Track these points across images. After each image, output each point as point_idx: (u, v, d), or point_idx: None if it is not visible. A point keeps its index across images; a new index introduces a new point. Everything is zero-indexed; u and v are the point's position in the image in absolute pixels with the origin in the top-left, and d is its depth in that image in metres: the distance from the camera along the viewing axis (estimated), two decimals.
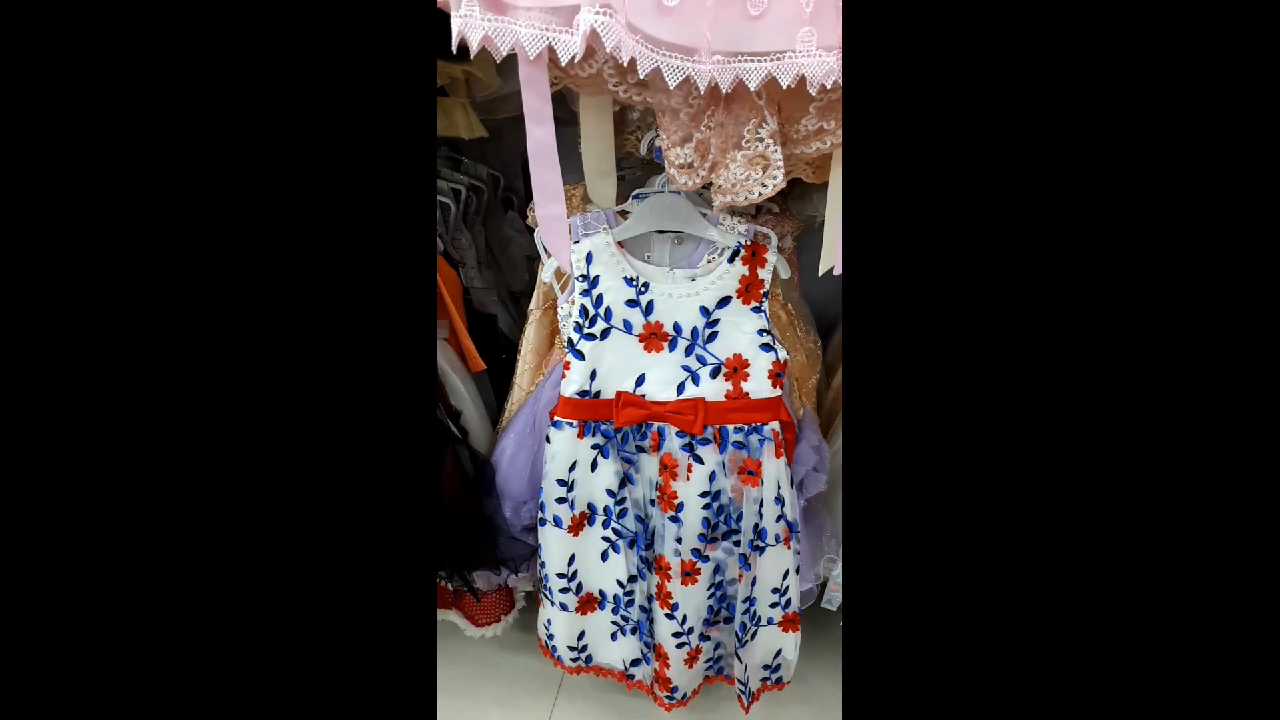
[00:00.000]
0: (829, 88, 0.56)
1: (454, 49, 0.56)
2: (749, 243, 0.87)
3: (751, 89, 0.57)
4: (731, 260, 0.87)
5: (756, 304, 0.88)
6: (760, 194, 0.69)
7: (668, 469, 0.89)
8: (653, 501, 0.92)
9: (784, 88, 0.57)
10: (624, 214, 0.89)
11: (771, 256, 0.87)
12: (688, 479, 0.89)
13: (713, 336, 0.88)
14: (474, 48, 0.55)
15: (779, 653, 0.96)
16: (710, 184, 0.72)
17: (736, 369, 0.89)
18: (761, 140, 0.65)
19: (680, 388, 0.89)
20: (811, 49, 0.55)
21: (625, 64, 0.53)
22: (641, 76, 0.55)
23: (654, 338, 0.88)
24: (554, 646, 0.99)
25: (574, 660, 0.99)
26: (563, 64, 0.54)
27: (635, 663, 0.98)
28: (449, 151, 1.17)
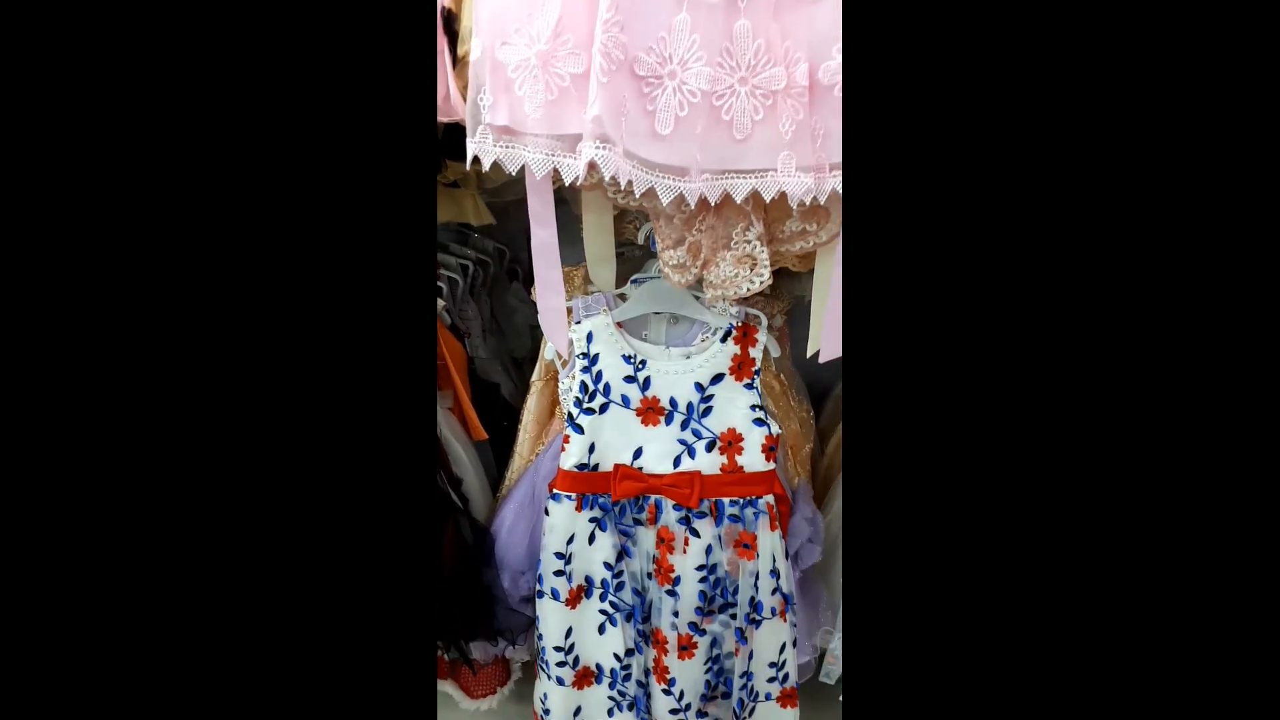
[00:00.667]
0: (807, 204, 0.61)
1: (468, 166, 0.61)
2: (740, 324, 0.91)
3: (738, 201, 0.63)
4: (724, 340, 0.91)
5: (749, 380, 0.92)
6: (749, 289, 0.73)
7: (665, 542, 0.91)
8: (650, 574, 0.94)
9: (767, 202, 0.62)
10: (622, 296, 0.94)
11: (762, 336, 0.92)
12: (684, 552, 0.91)
13: (707, 411, 0.92)
14: (486, 166, 0.61)
15: None
16: (702, 279, 0.77)
17: (731, 443, 0.92)
18: (749, 242, 0.71)
19: (677, 461, 0.91)
20: (791, 170, 0.60)
21: (624, 187, 0.59)
22: (637, 196, 0.61)
23: (651, 412, 0.92)
24: None
25: None
26: (567, 184, 0.60)
27: None
28: (458, 228, 1.23)
